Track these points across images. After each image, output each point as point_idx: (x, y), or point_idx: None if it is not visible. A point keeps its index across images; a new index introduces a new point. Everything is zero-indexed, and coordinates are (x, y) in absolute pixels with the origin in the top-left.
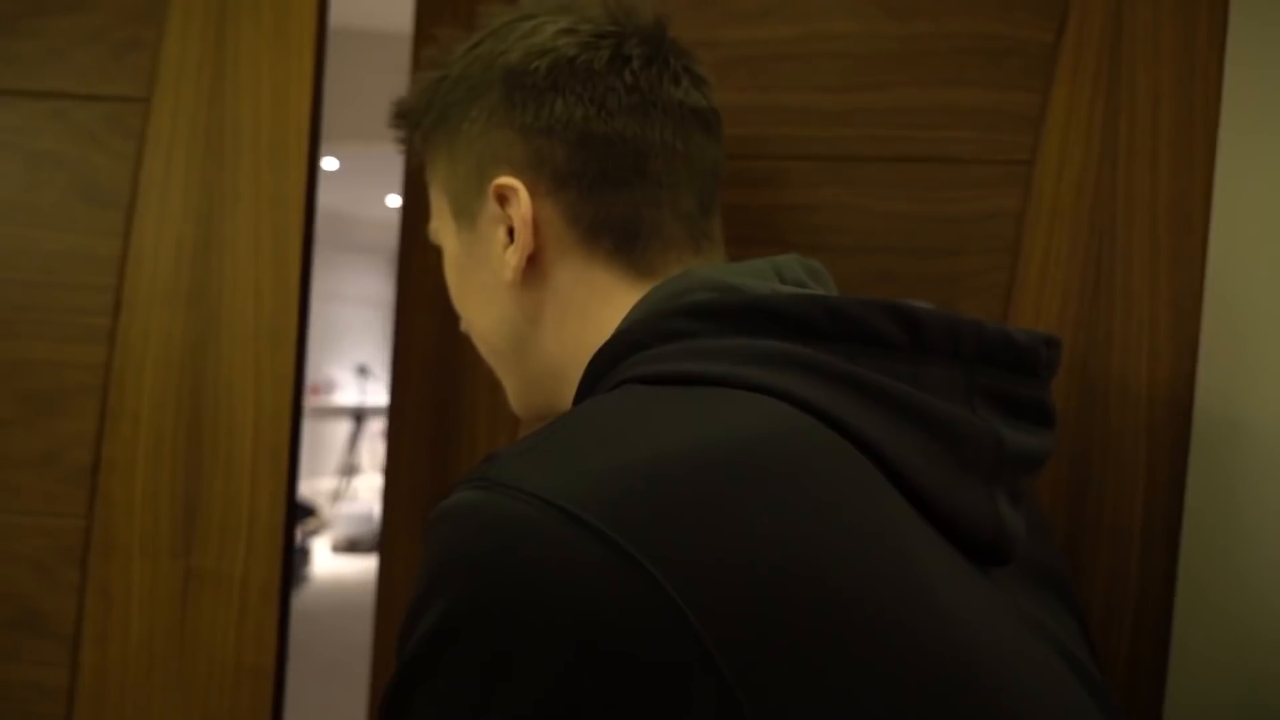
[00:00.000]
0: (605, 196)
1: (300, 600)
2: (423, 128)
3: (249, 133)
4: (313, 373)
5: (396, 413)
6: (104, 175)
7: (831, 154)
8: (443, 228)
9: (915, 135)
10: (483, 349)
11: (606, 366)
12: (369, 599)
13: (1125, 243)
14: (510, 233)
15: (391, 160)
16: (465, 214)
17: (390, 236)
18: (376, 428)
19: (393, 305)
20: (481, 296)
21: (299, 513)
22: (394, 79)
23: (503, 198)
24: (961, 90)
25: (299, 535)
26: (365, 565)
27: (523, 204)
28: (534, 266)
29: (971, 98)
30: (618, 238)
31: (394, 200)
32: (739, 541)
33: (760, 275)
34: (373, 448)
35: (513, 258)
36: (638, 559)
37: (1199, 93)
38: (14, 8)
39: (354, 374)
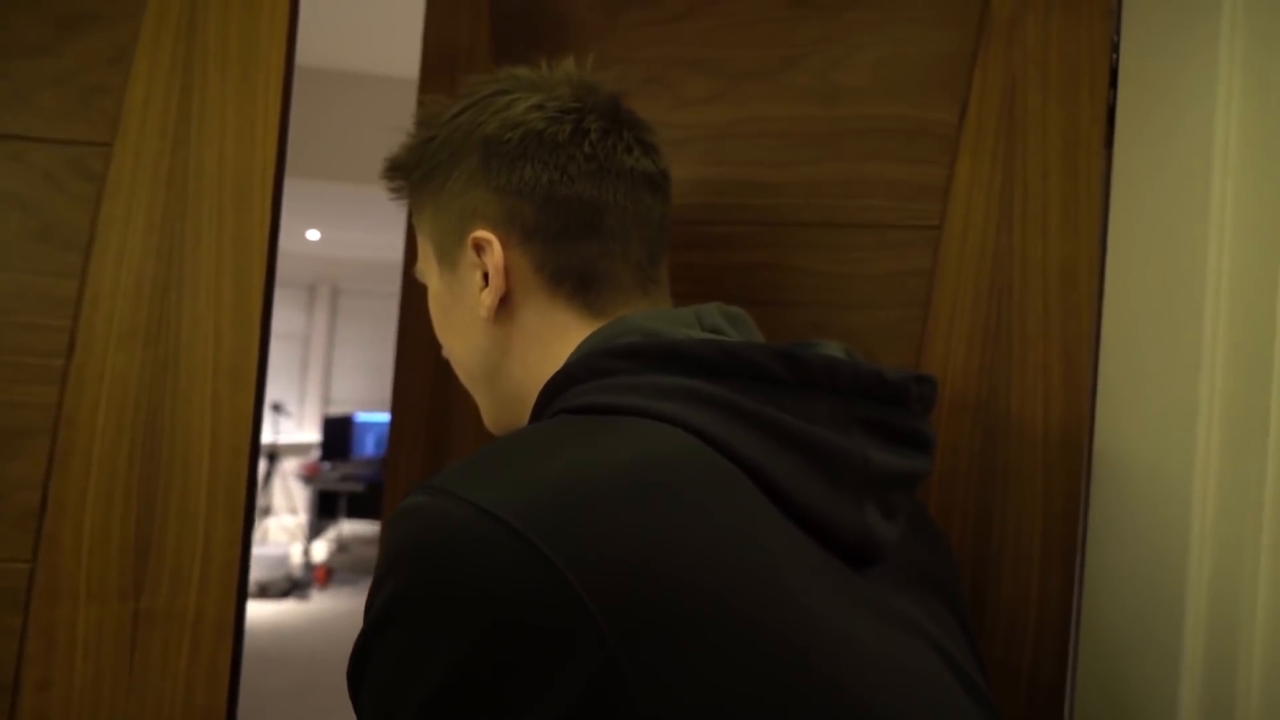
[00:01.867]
0: (566, 248)
1: None
2: (411, 181)
3: (212, 175)
4: None
5: (396, 435)
6: (62, 217)
7: (770, 220)
8: (427, 269)
9: (841, 204)
10: (460, 373)
11: (551, 396)
12: (283, 647)
13: (1021, 297)
14: (485, 277)
15: (313, 194)
16: (447, 259)
17: (310, 269)
18: (290, 466)
19: (394, 336)
20: (460, 329)
21: None
22: (317, 113)
23: (479, 248)
24: (880, 164)
25: None
26: (277, 611)
27: (495, 254)
28: (505, 306)
29: (889, 171)
30: (576, 283)
31: (314, 234)
32: (624, 539)
33: (681, 322)
34: (286, 487)
35: (487, 298)
36: (543, 550)
37: (1082, 165)
38: None
39: (268, 411)
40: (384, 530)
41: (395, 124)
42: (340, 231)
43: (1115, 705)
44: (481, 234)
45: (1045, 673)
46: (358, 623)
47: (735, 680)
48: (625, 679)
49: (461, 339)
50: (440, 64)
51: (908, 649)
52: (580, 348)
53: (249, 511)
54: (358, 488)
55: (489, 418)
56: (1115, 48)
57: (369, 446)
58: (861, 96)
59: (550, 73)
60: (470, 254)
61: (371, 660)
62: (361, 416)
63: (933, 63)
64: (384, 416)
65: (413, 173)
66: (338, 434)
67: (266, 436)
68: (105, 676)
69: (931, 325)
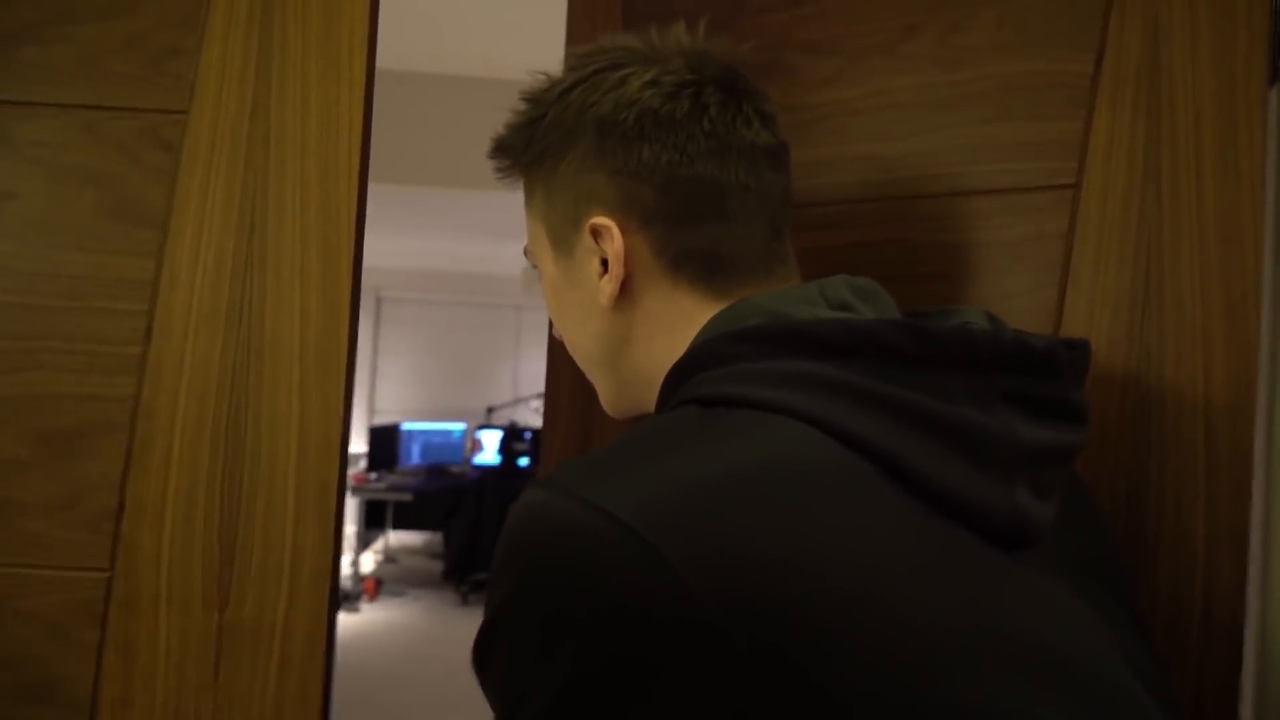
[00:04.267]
0: (687, 232)
1: None
2: (521, 164)
3: (295, 144)
4: None
5: (550, 417)
6: (137, 192)
7: (895, 194)
8: (540, 252)
9: (968, 170)
10: (576, 357)
11: (676, 383)
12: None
13: (1173, 256)
14: (604, 263)
15: (389, 198)
16: (563, 244)
17: None
18: None
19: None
20: (578, 314)
21: None
22: None
23: (597, 233)
24: (1008, 125)
25: None
26: None
27: (615, 240)
28: (625, 292)
29: (1018, 131)
30: (698, 267)
31: None
32: (741, 545)
33: (806, 300)
34: None
35: (608, 286)
36: (661, 552)
37: (1241, 104)
38: (43, 14)
39: None
40: (508, 517)
41: (443, 124)
42: (385, 239)
43: None
44: (600, 220)
45: (1215, 671)
46: (408, 634)
47: (860, 684)
48: (750, 679)
49: (580, 325)
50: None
51: (1069, 638)
52: (704, 331)
53: (340, 511)
54: (405, 497)
55: (608, 402)
56: None
57: (415, 456)
58: (983, 57)
59: (662, 42)
60: (587, 239)
61: (493, 651)
62: (407, 425)
63: (1060, 12)
64: (430, 425)
65: (521, 155)
66: (384, 443)
67: None
68: (189, 694)
69: (1072, 291)
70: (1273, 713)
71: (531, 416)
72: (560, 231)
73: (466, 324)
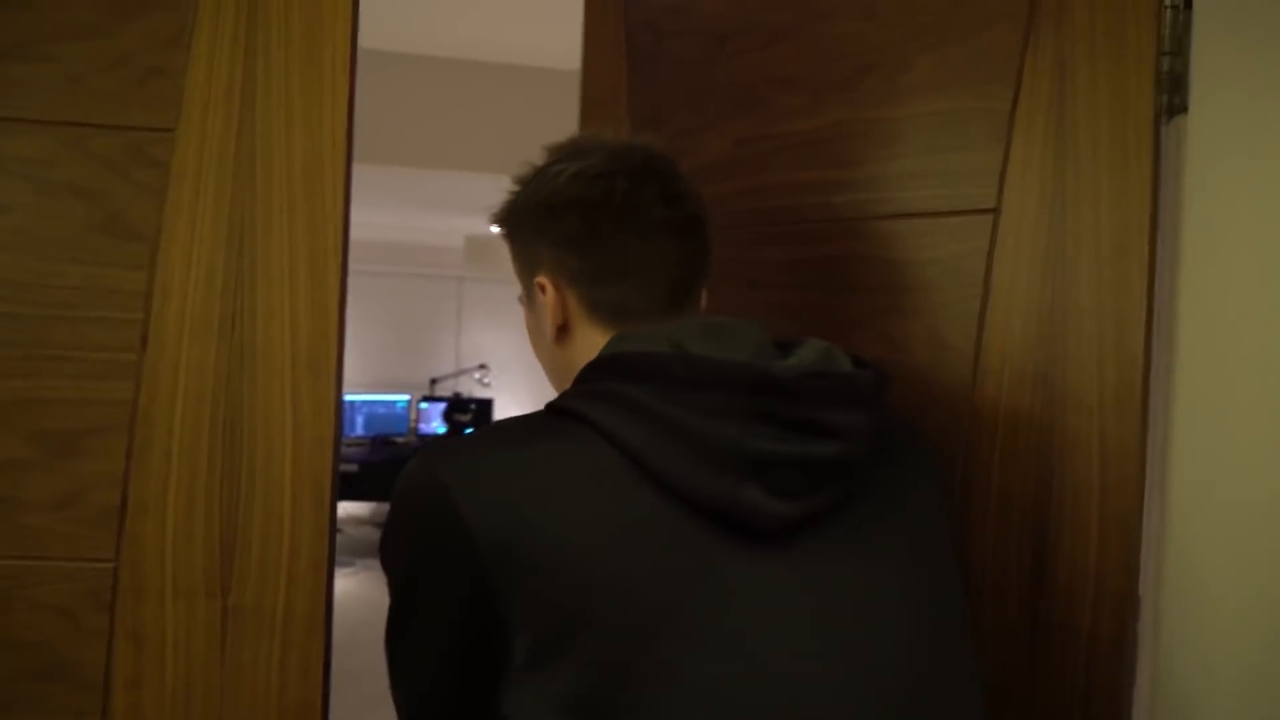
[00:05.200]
0: (600, 289)
1: None
2: (504, 233)
3: (281, 158)
4: None
5: None
6: (127, 207)
7: (848, 215)
8: (523, 299)
9: (908, 195)
10: (546, 375)
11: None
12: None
13: (1074, 271)
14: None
15: None
16: (528, 295)
17: None
18: None
19: None
20: (540, 344)
21: None
22: None
23: (541, 288)
24: (941, 155)
25: None
26: None
27: (550, 295)
28: (564, 331)
29: (949, 161)
30: (610, 314)
31: None
32: (505, 502)
33: (651, 340)
34: None
35: (548, 329)
36: (456, 500)
37: (1132, 135)
38: (29, 31)
39: None
40: None
41: (400, 102)
42: None
43: (1199, 668)
44: (541, 279)
45: (1104, 634)
46: (356, 603)
47: (562, 603)
48: (493, 588)
49: (541, 351)
50: (596, 101)
51: (762, 619)
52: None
53: (333, 504)
54: (351, 468)
55: None
56: (1179, 5)
57: (359, 427)
58: (922, 94)
59: (593, 140)
60: (538, 293)
61: (381, 558)
62: (350, 397)
63: (987, 54)
64: (374, 396)
65: (504, 226)
66: None
67: None
68: (197, 674)
69: (992, 303)
70: (1170, 682)
71: (475, 387)
72: (525, 285)
73: (408, 295)
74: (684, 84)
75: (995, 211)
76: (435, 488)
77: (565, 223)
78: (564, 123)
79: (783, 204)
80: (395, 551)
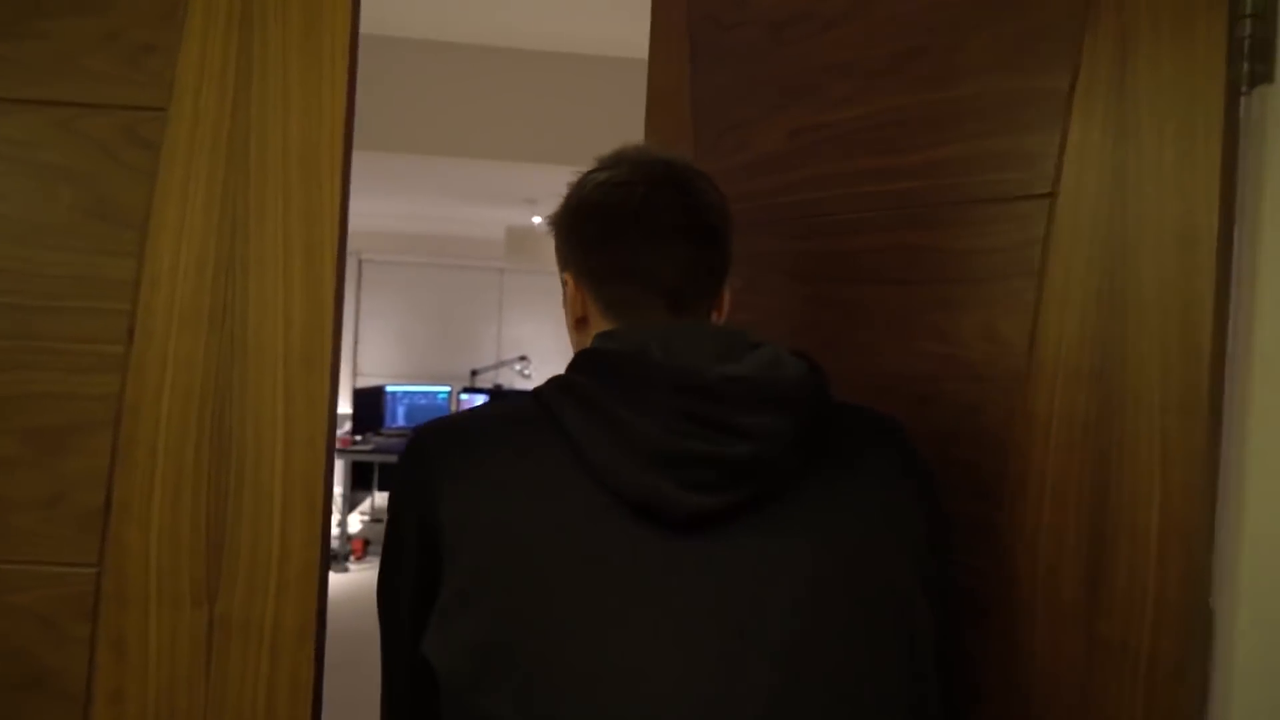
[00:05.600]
0: (610, 287)
1: None
2: (550, 230)
3: (277, 143)
4: None
5: None
6: (116, 190)
7: (900, 204)
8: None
9: (962, 181)
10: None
11: None
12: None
13: (1135, 262)
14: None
15: (370, 163)
16: (562, 286)
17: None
18: None
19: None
20: (570, 327)
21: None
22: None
23: (565, 282)
24: (997, 139)
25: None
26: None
27: (570, 288)
28: (584, 322)
29: (1005, 144)
30: (616, 310)
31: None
32: (461, 456)
33: (626, 340)
34: None
35: (569, 317)
36: (429, 457)
37: (1200, 116)
38: (16, 8)
39: None
40: None
41: (441, 91)
42: (365, 202)
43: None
44: (566, 274)
45: (1165, 656)
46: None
47: (479, 562)
48: (437, 539)
49: (570, 333)
50: (661, 93)
51: (674, 592)
52: None
53: (327, 508)
54: (391, 459)
55: None
56: None
57: (400, 418)
58: (976, 75)
59: (626, 153)
60: (564, 285)
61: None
62: (391, 387)
63: (1043, 33)
64: (415, 387)
65: (549, 225)
66: (369, 406)
67: None
68: (181, 686)
69: (1046, 294)
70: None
71: (515, 379)
72: (561, 278)
73: (449, 286)
74: (743, 75)
75: (1052, 197)
76: (425, 453)
77: (587, 226)
78: (607, 111)
79: (833, 194)
80: (391, 492)
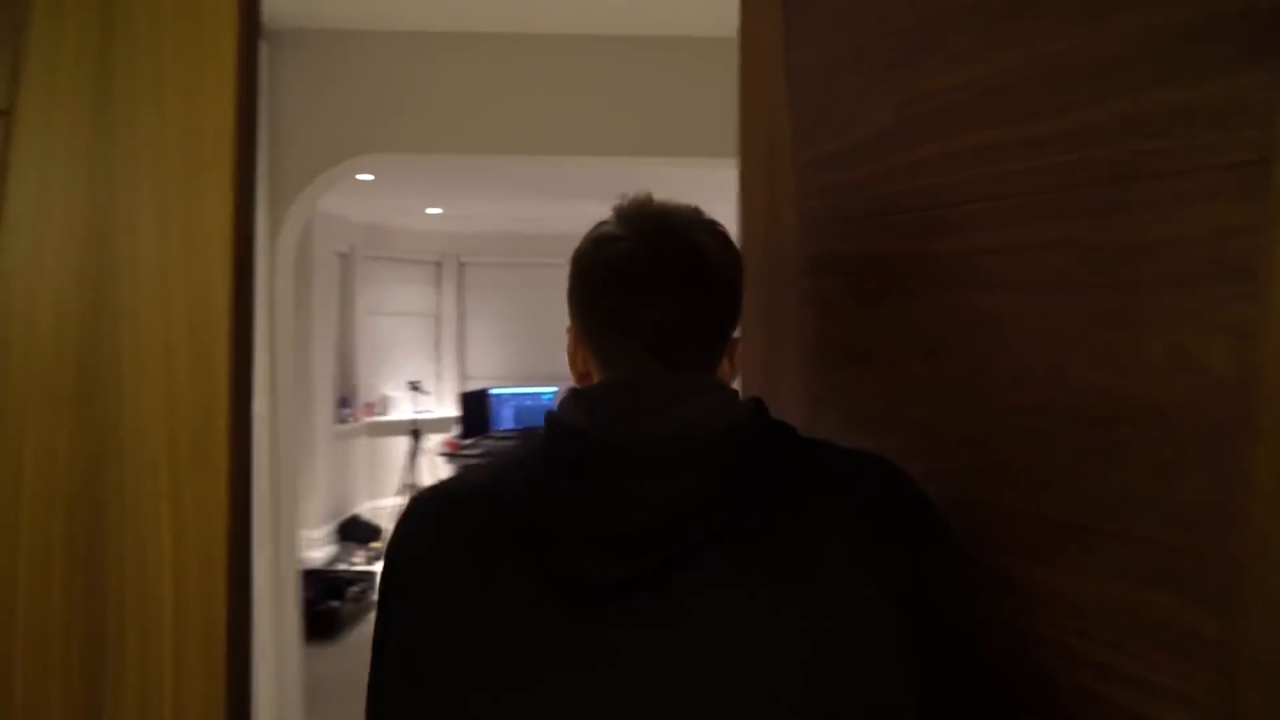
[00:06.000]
0: (600, 340)
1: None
2: None
3: (150, 151)
4: (366, 391)
5: None
6: None
7: (1044, 187)
8: None
9: (1135, 149)
10: None
11: None
12: None
13: None
14: None
15: (428, 171)
16: (569, 336)
17: (434, 245)
18: (431, 443)
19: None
20: (574, 380)
21: (363, 534)
22: (423, 81)
23: (568, 334)
24: (1189, 89)
25: (363, 557)
26: None
27: (571, 340)
28: (587, 376)
29: (1203, 94)
30: (605, 361)
31: (435, 210)
32: (410, 535)
33: (585, 400)
34: (431, 464)
35: (571, 372)
36: (407, 532)
37: None
38: None
39: (406, 390)
40: None
41: (526, 89)
42: (461, 205)
43: None
44: (569, 326)
45: None
46: None
47: (420, 638)
48: (388, 608)
49: (573, 377)
50: (755, 60)
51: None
52: None
53: (234, 652)
54: None
55: None
56: None
57: (508, 420)
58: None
59: (627, 206)
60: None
61: None
62: (496, 390)
63: None
64: (520, 389)
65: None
66: (476, 409)
67: (407, 414)
68: None
69: (1275, 305)
70: None
71: None
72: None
73: (549, 285)
74: (847, 37)
75: (1264, 164)
76: (409, 515)
77: (580, 282)
78: (698, 97)
79: (958, 179)
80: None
